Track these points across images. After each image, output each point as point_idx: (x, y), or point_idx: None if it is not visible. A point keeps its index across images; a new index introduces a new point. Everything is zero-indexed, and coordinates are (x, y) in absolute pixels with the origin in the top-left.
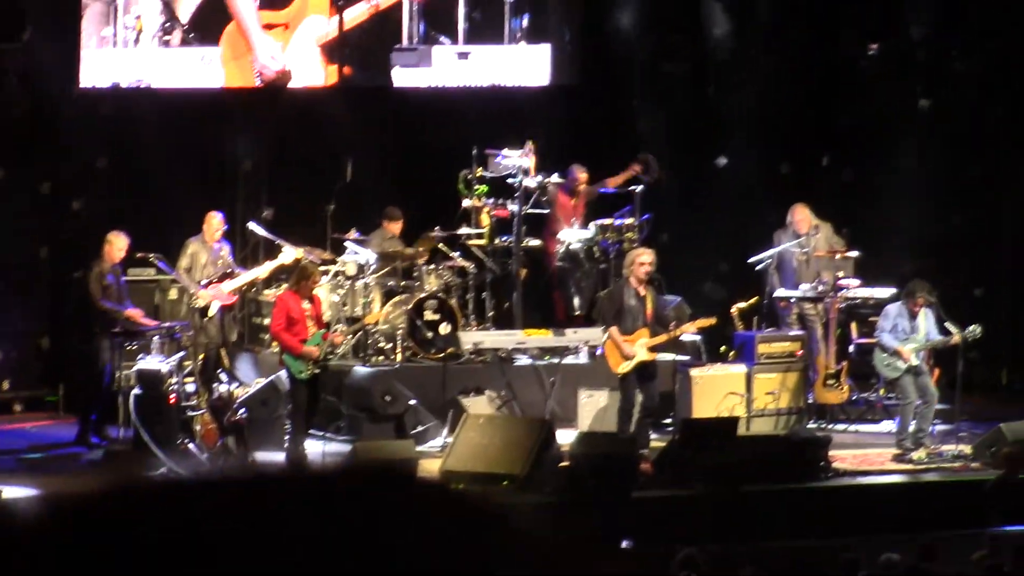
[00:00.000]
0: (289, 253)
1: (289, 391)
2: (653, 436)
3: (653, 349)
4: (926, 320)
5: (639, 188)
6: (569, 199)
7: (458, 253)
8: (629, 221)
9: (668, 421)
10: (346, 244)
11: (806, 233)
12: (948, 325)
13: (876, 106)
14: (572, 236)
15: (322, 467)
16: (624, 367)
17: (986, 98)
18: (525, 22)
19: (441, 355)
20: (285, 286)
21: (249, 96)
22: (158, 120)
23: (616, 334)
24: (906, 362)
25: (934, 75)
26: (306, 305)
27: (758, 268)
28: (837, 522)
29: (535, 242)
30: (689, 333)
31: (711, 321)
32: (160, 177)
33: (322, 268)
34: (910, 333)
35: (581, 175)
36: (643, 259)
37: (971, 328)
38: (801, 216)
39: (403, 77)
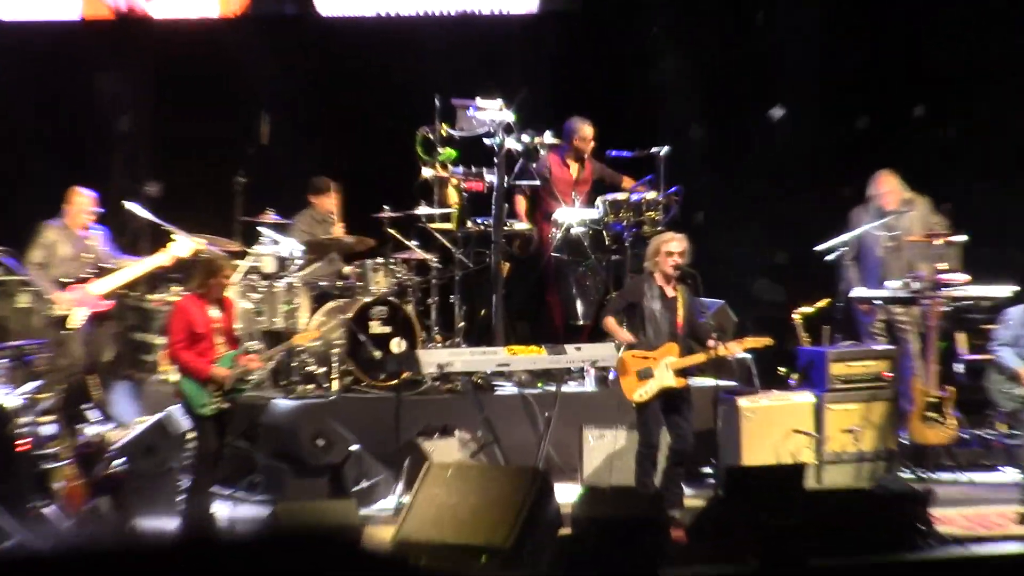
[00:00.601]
0: (183, 244)
1: (186, 433)
2: (687, 492)
3: (682, 373)
4: None
5: (663, 150)
6: (566, 167)
7: (416, 242)
8: (651, 196)
9: (708, 470)
10: (261, 231)
11: (895, 211)
12: None
13: (987, 38)
14: (572, 217)
15: (232, 538)
16: (642, 393)
17: None
18: None
19: (394, 382)
20: (182, 288)
21: (115, 29)
22: None
23: (613, 324)
24: (1020, 388)
25: None
26: (214, 314)
27: (829, 259)
28: None
29: (522, 226)
30: (735, 354)
31: (766, 341)
32: (4, 140)
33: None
34: None
35: (585, 130)
36: (671, 247)
37: None
38: (888, 188)
39: (333, 2)
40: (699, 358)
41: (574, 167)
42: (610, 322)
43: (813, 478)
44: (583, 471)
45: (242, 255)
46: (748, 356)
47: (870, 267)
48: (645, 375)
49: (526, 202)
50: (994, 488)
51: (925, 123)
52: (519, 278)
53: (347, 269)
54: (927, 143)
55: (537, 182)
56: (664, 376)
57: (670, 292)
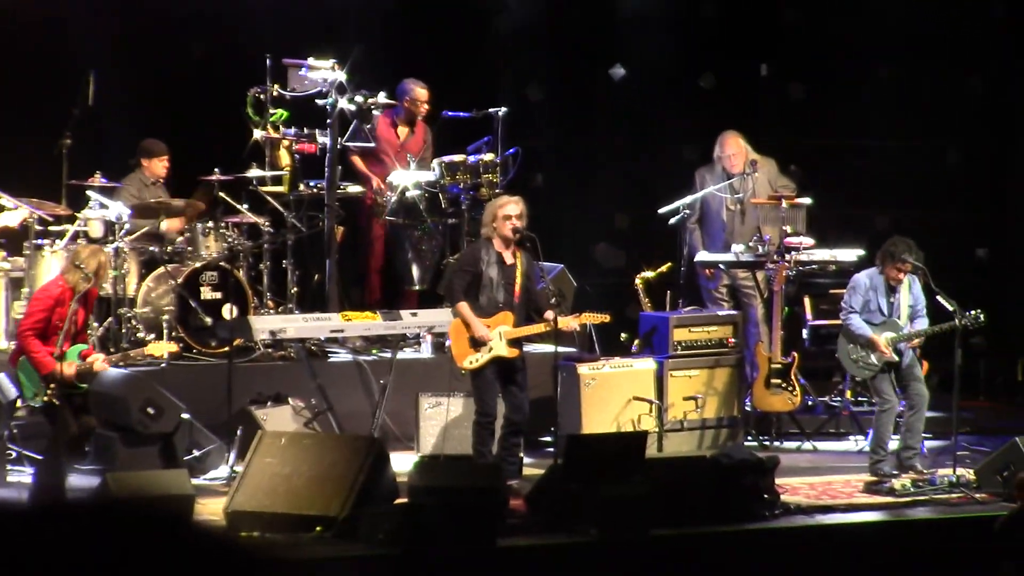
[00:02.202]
0: (13, 213)
1: (15, 401)
2: (526, 460)
3: (516, 343)
4: (910, 295)
5: (501, 111)
6: (394, 130)
7: (247, 205)
8: (488, 157)
9: (548, 439)
10: (88, 194)
11: (740, 173)
12: (940, 299)
13: None
14: (407, 179)
15: (56, 504)
16: (472, 361)
17: None
18: None
19: (225, 349)
20: (57, 271)
21: None
22: None
23: (466, 311)
24: (882, 356)
25: None
26: (73, 307)
27: (672, 222)
28: None
29: (356, 189)
30: (571, 328)
31: (603, 318)
32: None
33: (56, 228)
34: (888, 315)
35: (417, 92)
36: (508, 211)
37: (971, 313)
38: (733, 149)
39: None
40: (534, 329)
41: (403, 130)
42: (464, 309)
43: (655, 446)
44: (419, 440)
45: (70, 219)
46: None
47: (714, 230)
48: (478, 343)
49: (362, 162)
50: (840, 456)
51: (771, 81)
52: (353, 244)
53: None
54: (774, 102)
55: (371, 144)
56: (497, 345)
57: (509, 258)
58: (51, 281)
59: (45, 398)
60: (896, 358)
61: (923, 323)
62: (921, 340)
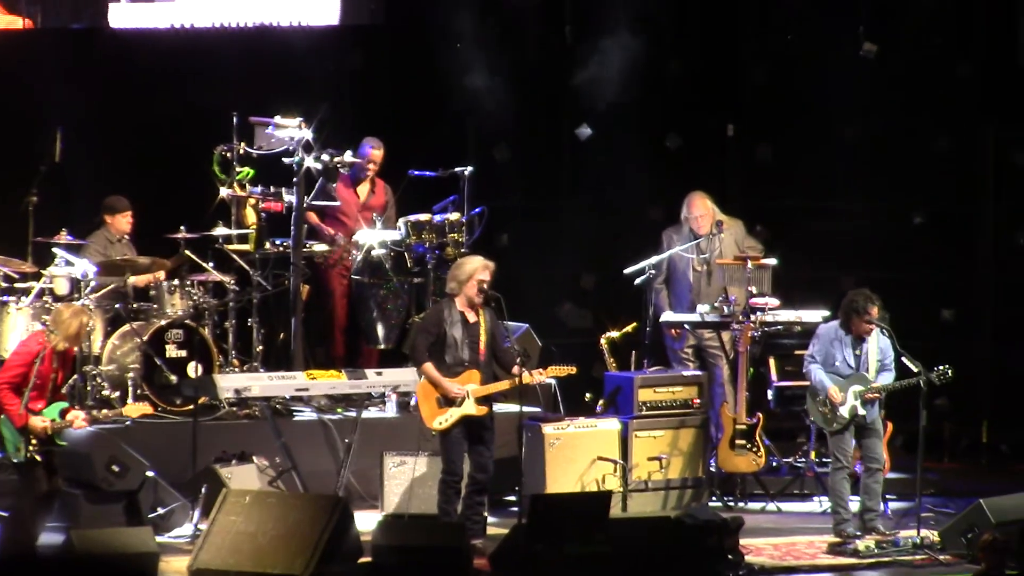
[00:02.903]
0: None
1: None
2: (491, 520)
3: (485, 401)
4: (878, 348)
5: (467, 170)
6: (353, 190)
7: (212, 264)
8: (455, 217)
9: (512, 498)
10: (55, 251)
11: (707, 234)
12: (905, 360)
13: (802, 51)
14: (372, 238)
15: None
16: (441, 421)
17: (954, 42)
18: None
19: (190, 407)
20: (37, 326)
21: None
22: None
23: (433, 372)
24: (841, 407)
25: (884, 7)
26: (54, 364)
27: (637, 282)
28: None
29: (322, 247)
30: (538, 382)
31: (569, 370)
32: None
33: (21, 285)
34: (856, 368)
35: (374, 153)
36: (484, 276)
37: (939, 368)
38: (701, 210)
39: (126, 15)
40: (502, 386)
41: (363, 189)
42: (430, 369)
43: (619, 506)
44: (383, 499)
45: (36, 276)
46: (552, 382)
47: (680, 291)
48: (446, 403)
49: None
50: (804, 517)
51: (738, 142)
52: (318, 303)
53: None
54: (740, 163)
55: (337, 202)
56: (466, 404)
57: (472, 316)
58: (31, 337)
59: (28, 454)
60: (863, 412)
61: (890, 376)
62: (883, 393)
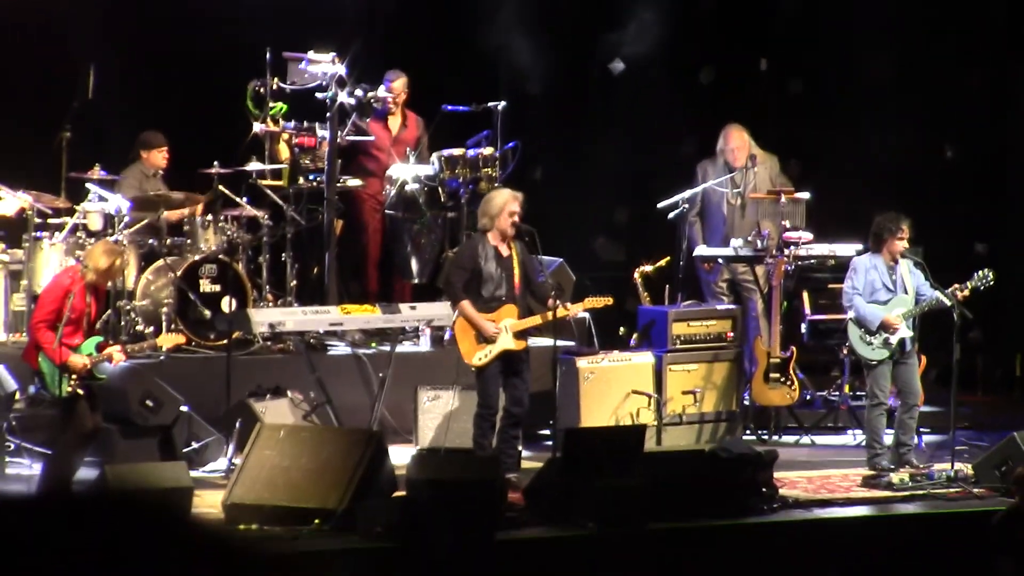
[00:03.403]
0: (9, 202)
1: (14, 394)
2: (525, 454)
3: (521, 335)
4: (911, 274)
5: (501, 105)
6: (384, 124)
7: (246, 198)
8: (488, 151)
9: (546, 432)
10: (88, 187)
11: (742, 167)
12: (939, 294)
13: None
14: (406, 173)
15: (55, 496)
16: (480, 357)
17: None
18: None
19: (224, 342)
20: (71, 262)
21: None
22: None
23: (470, 310)
24: (894, 332)
25: None
26: (87, 299)
27: (671, 216)
28: (785, 572)
29: (356, 182)
30: (574, 315)
31: (606, 301)
32: None
33: (55, 221)
34: (893, 291)
35: (394, 85)
36: (514, 207)
37: (979, 273)
38: (737, 142)
39: None
40: (538, 320)
41: (395, 123)
42: (467, 308)
43: (653, 440)
44: (418, 433)
45: (69, 211)
46: (587, 316)
47: (715, 224)
48: (484, 339)
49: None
50: (838, 451)
51: (770, 76)
52: (353, 237)
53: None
54: (772, 97)
55: (371, 137)
56: (504, 339)
57: (506, 251)
58: (63, 272)
59: (69, 389)
60: (910, 332)
61: (930, 297)
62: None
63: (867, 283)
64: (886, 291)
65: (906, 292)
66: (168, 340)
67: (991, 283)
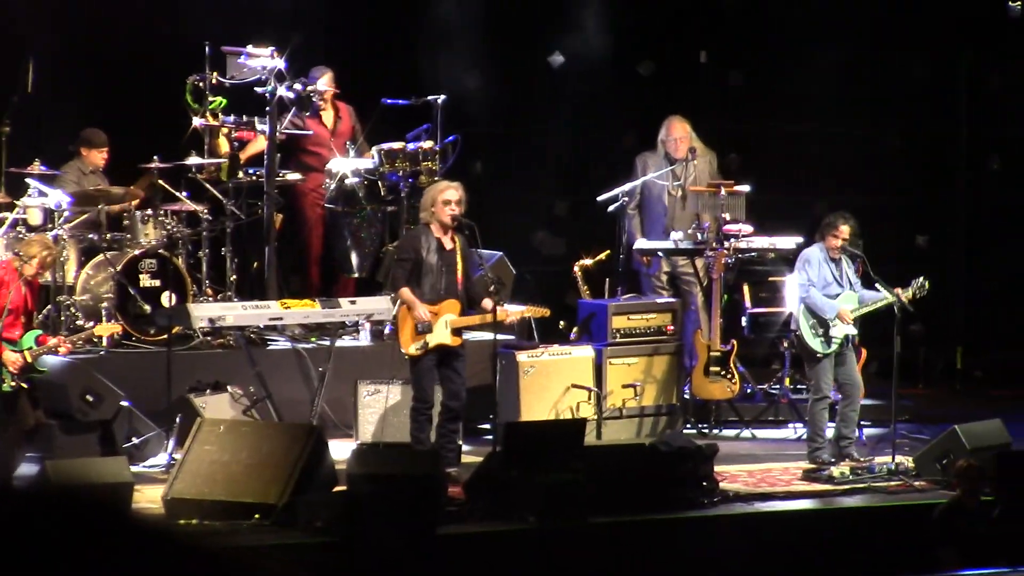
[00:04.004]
0: None
1: None
2: (465, 448)
3: (458, 332)
4: (850, 270)
5: (441, 98)
6: (319, 119)
7: (186, 193)
8: (428, 145)
9: (487, 426)
10: (28, 181)
11: (683, 160)
12: (879, 286)
13: None
14: (346, 167)
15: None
16: (417, 348)
17: None
18: None
19: (164, 336)
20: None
21: None
22: None
23: (409, 294)
24: (846, 324)
25: None
26: (23, 289)
27: (611, 209)
28: (725, 566)
29: (295, 176)
30: (513, 321)
31: (543, 312)
32: None
33: None
34: (840, 286)
35: (321, 80)
36: (448, 196)
37: (916, 281)
38: (680, 133)
39: None
40: (476, 319)
41: (328, 117)
42: (406, 293)
43: (593, 434)
44: (358, 427)
45: (9, 207)
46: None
47: (654, 216)
48: (424, 330)
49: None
50: (779, 444)
51: (710, 69)
52: (292, 232)
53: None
54: (712, 90)
55: (309, 131)
56: (441, 333)
57: (448, 243)
58: None
59: (13, 384)
60: (855, 330)
61: (876, 297)
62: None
63: (820, 276)
64: (836, 285)
65: (852, 288)
66: (105, 329)
67: (926, 292)
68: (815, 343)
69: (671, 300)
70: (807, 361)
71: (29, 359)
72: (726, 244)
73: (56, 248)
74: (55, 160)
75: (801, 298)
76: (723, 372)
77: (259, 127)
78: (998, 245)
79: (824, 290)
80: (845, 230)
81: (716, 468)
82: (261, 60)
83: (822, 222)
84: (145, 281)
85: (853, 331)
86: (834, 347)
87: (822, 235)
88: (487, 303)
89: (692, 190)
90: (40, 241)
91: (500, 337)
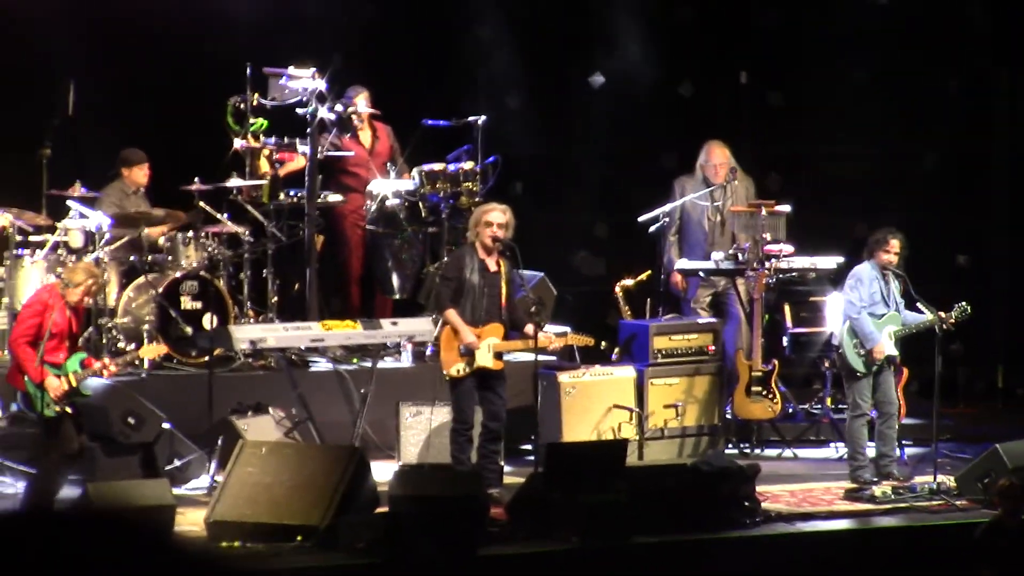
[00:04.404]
0: None
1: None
2: (507, 469)
3: (500, 356)
4: (897, 289)
5: (481, 119)
6: (357, 139)
7: (227, 215)
8: (468, 166)
9: (528, 447)
10: (69, 204)
11: (722, 183)
12: (921, 306)
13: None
14: (386, 188)
15: (39, 513)
16: (458, 369)
17: None
18: None
19: (205, 358)
20: (52, 279)
21: None
22: None
23: (455, 317)
24: (889, 347)
25: None
26: (67, 313)
27: (651, 230)
28: None
29: (336, 198)
30: (557, 348)
31: (587, 341)
32: None
33: (36, 238)
34: (888, 306)
35: (356, 99)
36: (491, 218)
37: (959, 306)
38: (720, 159)
39: None
40: (519, 345)
41: (365, 137)
42: (452, 316)
43: (635, 454)
44: (400, 449)
45: (50, 229)
46: (568, 330)
47: (694, 240)
48: (466, 352)
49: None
50: (820, 464)
51: (751, 89)
52: (334, 253)
53: (160, 240)
54: (752, 110)
55: (350, 152)
56: (484, 356)
57: (492, 266)
58: (42, 288)
59: (58, 409)
60: (895, 352)
61: (921, 318)
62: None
63: (870, 294)
64: (883, 304)
65: (897, 308)
66: (150, 351)
67: (968, 316)
68: (857, 362)
69: (712, 320)
70: (846, 378)
71: (74, 382)
72: (767, 264)
73: (101, 275)
74: (96, 183)
75: (849, 315)
76: (765, 392)
77: (300, 148)
78: None
79: (871, 308)
80: (896, 244)
81: (758, 488)
82: (302, 81)
83: (870, 239)
84: (186, 303)
85: (894, 352)
86: (875, 368)
87: (871, 252)
88: (529, 328)
89: (732, 210)
90: (86, 269)
91: (541, 358)
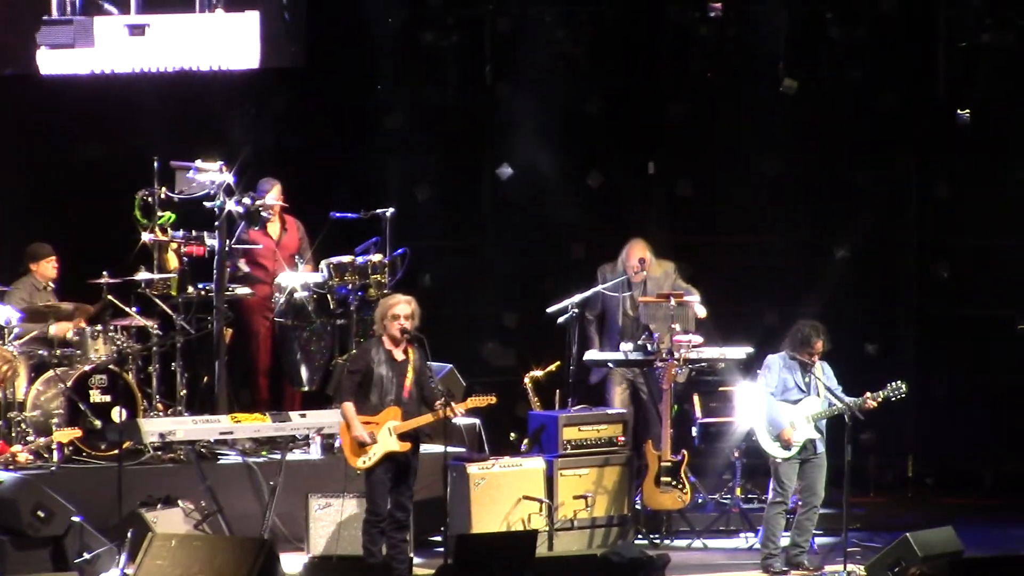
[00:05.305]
0: None
1: None
2: (417, 560)
3: (407, 437)
4: (824, 376)
5: (389, 211)
6: (265, 231)
7: (136, 308)
8: (377, 258)
9: (438, 538)
10: None
11: (640, 281)
12: (831, 395)
13: (721, 87)
14: (295, 280)
15: None
16: (364, 461)
17: (875, 76)
18: None
19: (115, 451)
20: None
21: None
22: None
23: (350, 411)
24: (807, 429)
25: (803, 43)
26: None
27: (560, 321)
28: None
29: (244, 291)
30: (458, 415)
31: (489, 400)
32: None
33: None
34: (805, 392)
35: (270, 193)
36: (398, 311)
37: (892, 384)
38: (637, 256)
39: (53, 61)
40: (421, 420)
41: (274, 229)
42: (347, 409)
43: (545, 545)
44: (309, 541)
45: None
46: (477, 421)
47: (613, 331)
48: (365, 443)
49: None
50: (731, 554)
51: (659, 178)
52: (242, 346)
53: (69, 334)
54: (661, 200)
55: (258, 245)
56: (387, 441)
57: (399, 355)
58: None
59: None
60: (818, 433)
61: (845, 401)
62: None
63: (780, 381)
64: (798, 391)
65: (818, 394)
66: (65, 435)
67: (903, 395)
68: (772, 448)
69: (621, 411)
70: (771, 464)
71: None
72: (676, 355)
73: (15, 362)
74: (7, 277)
75: (759, 403)
76: (674, 482)
77: (208, 242)
78: (948, 353)
79: (784, 395)
80: (820, 345)
81: None
82: (210, 175)
83: (793, 334)
84: (96, 396)
85: (813, 435)
86: (793, 452)
87: (793, 348)
88: (437, 406)
89: (642, 301)
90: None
91: (451, 449)
